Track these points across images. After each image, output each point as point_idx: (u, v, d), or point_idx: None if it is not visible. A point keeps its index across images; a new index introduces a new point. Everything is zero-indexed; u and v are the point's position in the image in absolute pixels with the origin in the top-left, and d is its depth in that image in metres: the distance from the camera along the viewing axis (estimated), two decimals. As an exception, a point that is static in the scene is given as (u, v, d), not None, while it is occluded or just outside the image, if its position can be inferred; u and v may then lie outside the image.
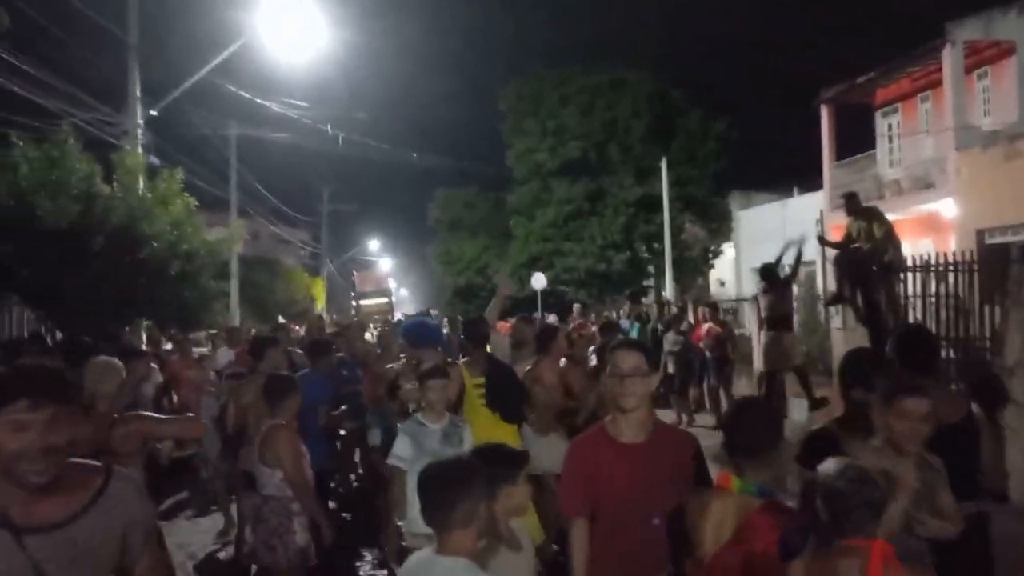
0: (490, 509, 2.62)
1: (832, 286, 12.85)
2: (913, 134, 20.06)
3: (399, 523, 4.86)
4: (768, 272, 9.62)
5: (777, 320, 9.31)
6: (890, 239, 9.30)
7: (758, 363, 11.69)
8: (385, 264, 55.11)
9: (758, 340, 11.54)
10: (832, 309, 10.49)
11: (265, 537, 4.40)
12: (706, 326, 12.87)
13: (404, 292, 63.86)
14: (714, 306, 13.73)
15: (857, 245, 9.25)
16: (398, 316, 25.80)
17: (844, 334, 9.37)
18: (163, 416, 4.31)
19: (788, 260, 9.85)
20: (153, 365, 8.64)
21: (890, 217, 9.81)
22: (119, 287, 10.92)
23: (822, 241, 10.31)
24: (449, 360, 5.84)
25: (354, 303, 37.64)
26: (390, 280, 49.95)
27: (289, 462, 4.42)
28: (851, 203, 9.62)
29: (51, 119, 12.80)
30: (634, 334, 13.68)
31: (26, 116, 12.59)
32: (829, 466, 2.64)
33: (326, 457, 6.37)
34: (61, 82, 13.13)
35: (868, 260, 9.09)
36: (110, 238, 10.96)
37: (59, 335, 11.33)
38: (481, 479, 2.58)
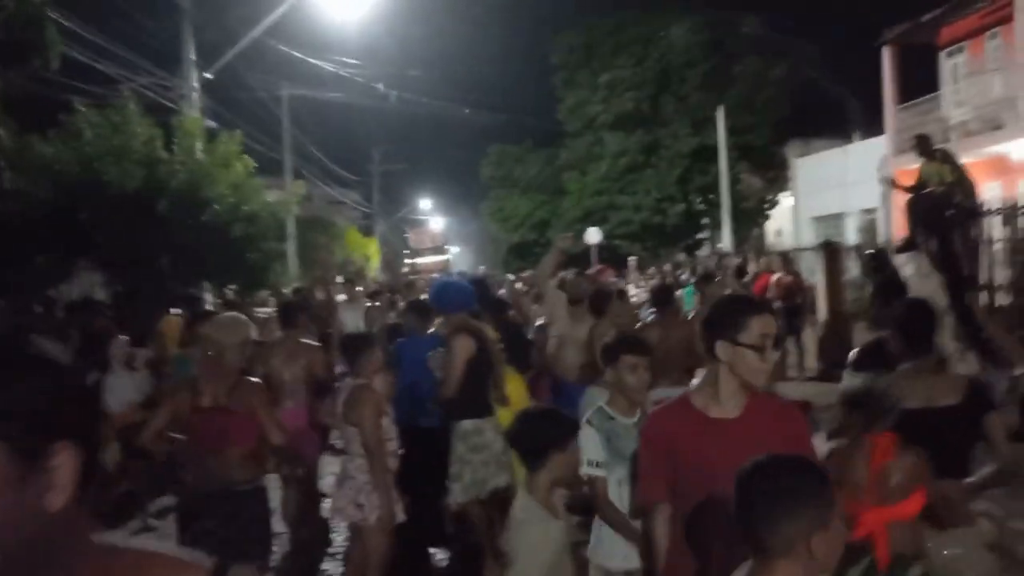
0: (827, 535, 1.90)
1: (897, 232, 12.51)
2: (980, 73, 19.23)
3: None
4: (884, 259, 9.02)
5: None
6: (963, 182, 8.98)
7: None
8: (438, 222, 55.28)
9: (824, 291, 11.34)
10: (903, 256, 10.19)
11: (353, 495, 4.36)
12: (776, 276, 12.58)
13: (457, 250, 64.05)
14: (784, 255, 13.38)
15: (930, 189, 8.95)
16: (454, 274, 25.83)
17: (917, 281, 9.10)
18: (276, 418, 4.13)
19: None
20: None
21: (957, 160, 9.44)
22: (183, 249, 11.14)
23: (894, 184, 9.92)
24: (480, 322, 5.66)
25: (408, 261, 37.84)
26: (445, 238, 50.11)
27: (367, 423, 4.31)
28: (922, 145, 9.28)
29: (110, 84, 13.02)
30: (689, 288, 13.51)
31: (86, 82, 12.83)
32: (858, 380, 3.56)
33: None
34: (119, 47, 13.31)
35: (942, 204, 8.79)
36: (173, 202, 11.16)
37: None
38: (825, 492, 1.91)
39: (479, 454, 5.01)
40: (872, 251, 9.62)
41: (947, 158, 9.26)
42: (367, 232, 42.82)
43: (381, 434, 4.39)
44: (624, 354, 3.59)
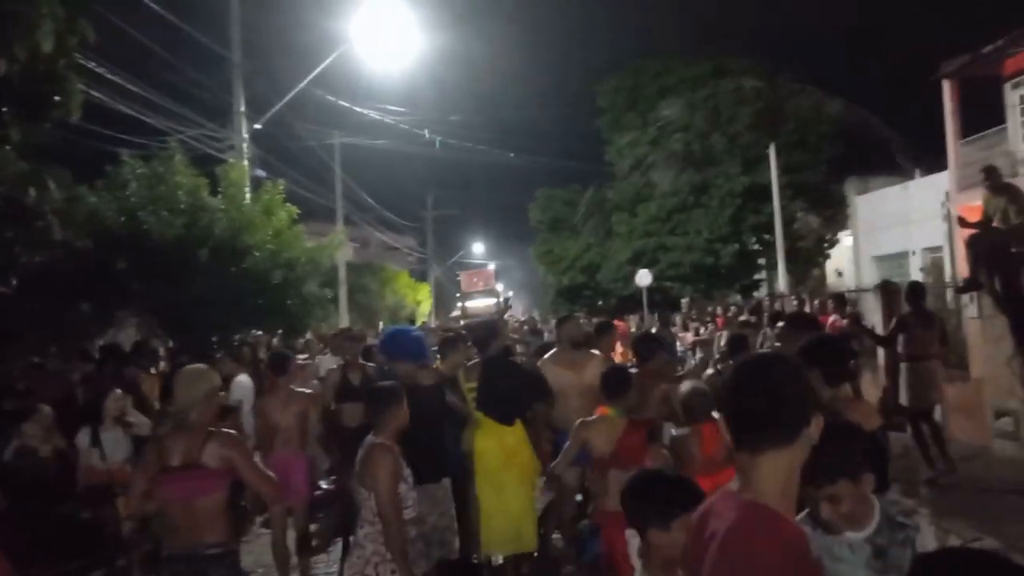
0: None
1: (963, 272, 11.83)
2: (1050, 104, 18.43)
3: None
4: (918, 290, 8.55)
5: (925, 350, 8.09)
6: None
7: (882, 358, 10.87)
8: (491, 266, 55.40)
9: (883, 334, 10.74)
10: (966, 297, 9.60)
11: (360, 566, 3.92)
12: (831, 319, 12.04)
13: (511, 293, 63.96)
14: (840, 298, 12.73)
15: (996, 225, 8.40)
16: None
17: (980, 323, 8.53)
18: (257, 464, 4.00)
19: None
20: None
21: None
22: (224, 297, 11.15)
23: (962, 223, 9.31)
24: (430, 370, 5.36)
25: (459, 305, 37.77)
26: (497, 281, 50.00)
27: (382, 487, 3.88)
28: (992, 178, 8.75)
29: (160, 136, 13.31)
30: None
31: (137, 135, 13.16)
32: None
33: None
34: (169, 101, 13.65)
35: (1006, 242, 8.23)
36: (214, 250, 11.21)
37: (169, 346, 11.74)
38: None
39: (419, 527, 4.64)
40: (913, 282, 9.08)
41: (1015, 196, 8.71)
42: (422, 277, 43.13)
43: (399, 500, 3.94)
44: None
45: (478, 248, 56.13)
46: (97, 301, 10.89)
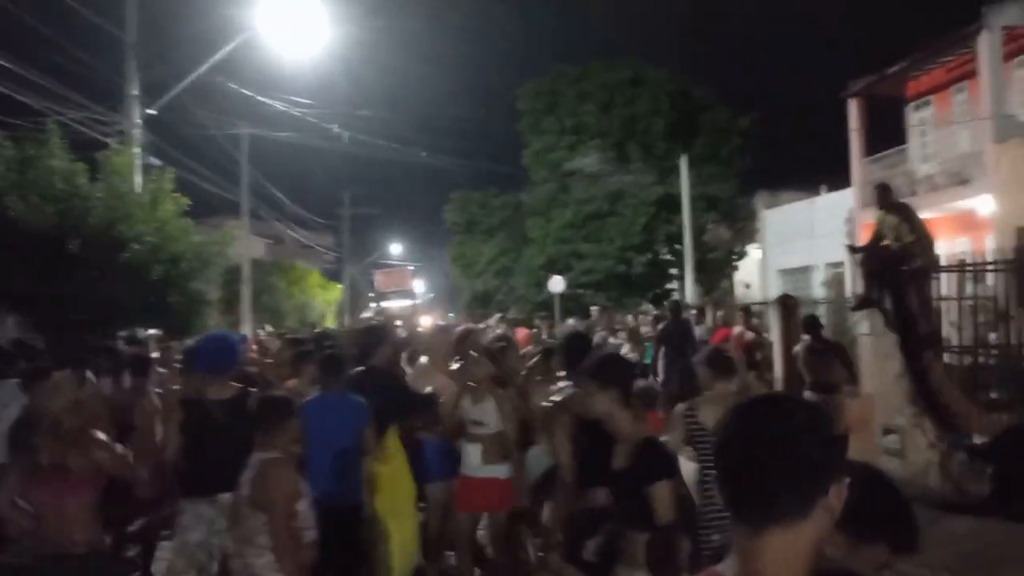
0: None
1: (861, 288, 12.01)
2: (947, 127, 19.06)
3: None
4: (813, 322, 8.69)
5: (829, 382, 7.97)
6: (921, 241, 8.47)
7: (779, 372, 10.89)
8: (408, 267, 54.55)
9: (780, 347, 10.75)
10: (859, 313, 9.64)
11: None
12: (737, 330, 12.10)
13: (431, 295, 63.25)
14: (747, 310, 12.77)
15: (887, 243, 8.43)
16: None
17: (872, 340, 8.54)
18: (115, 448, 3.95)
19: None
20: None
21: (924, 215, 9.02)
22: (99, 291, 10.36)
23: (852, 249, 9.35)
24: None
25: (373, 305, 37.00)
26: (414, 282, 49.10)
27: (276, 506, 3.58)
28: (884, 196, 8.79)
29: (38, 118, 12.34)
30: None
31: (9, 115, 12.18)
32: None
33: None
34: (48, 80, 12.69)
35: (898, 261, 8.26)
36: (88, 240, 10.42)
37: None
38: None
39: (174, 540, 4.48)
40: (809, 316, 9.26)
41: (907, 213, 8.77)
42: (336, 277, 42.12)
43: (294, 522, 3.65)
44: None
45: (396, 249, 55.10)
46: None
